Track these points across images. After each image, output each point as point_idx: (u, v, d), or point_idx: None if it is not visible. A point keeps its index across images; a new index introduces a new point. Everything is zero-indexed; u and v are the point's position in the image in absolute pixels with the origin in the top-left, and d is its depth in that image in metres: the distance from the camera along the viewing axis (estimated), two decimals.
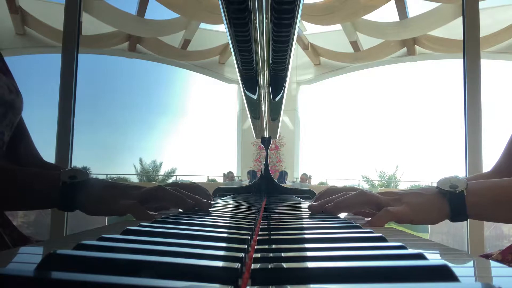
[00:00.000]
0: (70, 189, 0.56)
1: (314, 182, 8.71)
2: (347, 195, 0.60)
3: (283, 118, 2.19)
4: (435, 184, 0.59)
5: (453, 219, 0.56)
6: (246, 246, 0.28)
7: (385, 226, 0.55)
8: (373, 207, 0.60)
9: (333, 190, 0.81)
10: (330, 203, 0.61)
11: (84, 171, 0.58)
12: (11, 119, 0.70)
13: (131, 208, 0.56)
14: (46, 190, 0.57)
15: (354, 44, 7.18)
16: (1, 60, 0.77)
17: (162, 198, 0.61)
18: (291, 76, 0.98)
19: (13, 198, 0.59)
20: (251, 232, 0.37)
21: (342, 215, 0.64)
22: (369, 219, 0.57)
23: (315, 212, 0.62)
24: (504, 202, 0.55)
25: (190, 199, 0.61)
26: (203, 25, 6.95)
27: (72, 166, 1.87)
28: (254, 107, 1.11)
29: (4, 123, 0.68)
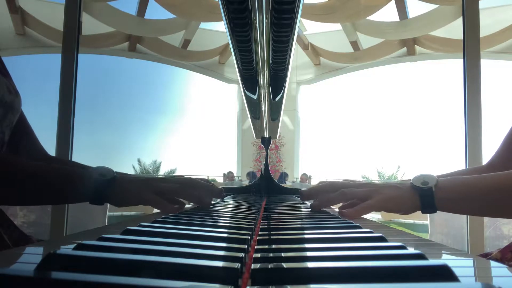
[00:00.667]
0: (102, 185, 0.63)
1: (314, 182, 8.71)
2: (330, 193, 0.70)
3: (283, 118, 2.19)
4: None
5: (423, 211, 0.64)
6: (246, 246, 0.28)
7: (388, 226, 0.56)
8: (355, 201, 0.68)
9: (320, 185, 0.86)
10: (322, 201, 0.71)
11: (110, 169, 0.65)
12: (10, 120, 0.70)
13: (152, 201, 0.64)
14: (80, 187, 0.64)
15: (354, 44, 7.18)
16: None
17: (182, 195, 0.70)
18: (291, 76, 0.98)
19: (48, 194, 0.66)
20: (251, 232, 0.37)
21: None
22: (344, 211, 0.65)
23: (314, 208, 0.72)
24: (469, 198, 0.62)
25: (211, 191, 0.72)
26: (203, 25, 6.95)
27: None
28: (254, 107, 1.11)
29: (4, 124, 0.69)
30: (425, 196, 0.62)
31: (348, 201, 0.71)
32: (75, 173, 0.67)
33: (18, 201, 0.76)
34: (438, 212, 0.64)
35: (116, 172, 0.65)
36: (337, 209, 0.83)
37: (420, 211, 0.64)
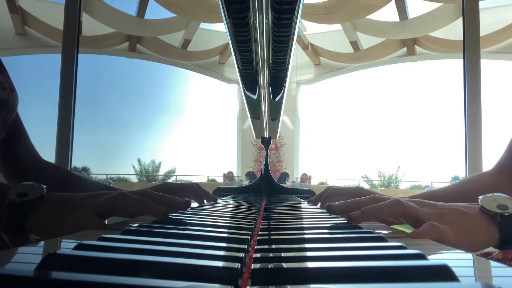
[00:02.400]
0: (19, 209, 0.46)
1: (314, 182, 8.72)
2: (379, 202, 0.50)
3: (283, 118, 2.19)
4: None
5: (501, 247, 0.48)
6: (246, 246, 0.28)
7: (388, 226, 0.55)
8: (408, 220, 0.50)
9: (337, 190, 0.80)
10: (354, 205, 0.52)
11: (40, 186, 0.48)
12: (4, 117, 0.67)
13: (81, 222, 0.46)
14: None
15: (354, 44, 7.18)
16: None
17: (123, 208, 0.51)
18: (291, 76, 0.98)
19: None
20: (251, 232, 0.37)
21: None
22: (411, 231, 0.46)
23: (335, 213, 0.54)
24: None
25: (161, 203, 0.51)
26: (203, 25, 6.96)
27: (73, 166, 1.82)
28: (254, 107, 1.11)
29: None
30: (507, 226, 0.45)
31: (400, 216, 0.51)
32: None
33: None
34: None
35: (48, 192, 0.48)
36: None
37: (496, 248, 0.48)
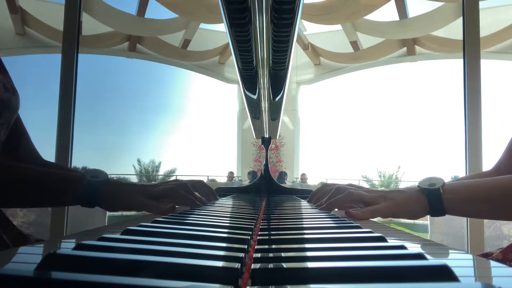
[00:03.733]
0: (94, 187, 0.62)
1: (315, 182, 8.71)
2: (338, 195, 0.71)
3: (283, 118, 2.19)
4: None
5: (432, 214, 0.63)
6: (246, 246, 0.28)
7: (388, 226, 0.56)
8: (361, 205, 0.68)
9: (327, 187, 0.86)
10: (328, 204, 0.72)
11: (103, 171, 0.64)
12: (7, 118, 0.69)
13: (147, 206, 0.63)
14: (73, 190, 0.63)
15: (354, 44, 7.18)
16: None
17: (173, 197, 0.69)
18: (291, 76, 0.98)
19: (46, 197, 0.66)
20: (251, 232, 0.37)
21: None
22: (352, 211, 0.64)
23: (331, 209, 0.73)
24: (476, 200, 0.62)
25: (199, 200, 0.71)
26: (203, 25, 6.95)
27: (73, 166, 1.90)
28: (254, 107, 1.11)
29: None
30: (433, 197, 0.61)
31: (354, 203, 0.70)
32: (70, 176, 0.67)
33: (17, 204, 0.79)
34: None
35: (110, 176, 0.65)
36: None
37: (429, 215, 0.63)
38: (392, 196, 0.65)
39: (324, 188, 0.86)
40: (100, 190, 0.62)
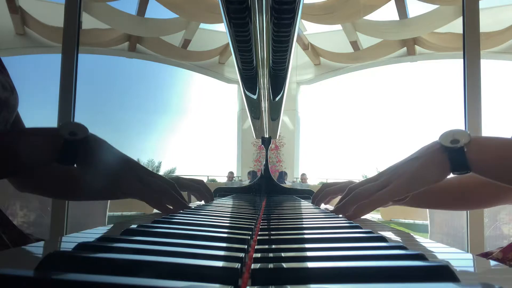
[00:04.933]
0: (72, 147, 0.54)
1: (315, 182, 8.71)
2: (347, 198, 0.60)
3: (283, 118, 2.19)
4: None
5: (454, 172, 0.55)
6: (246, 246, 0.28)
7: (388, 226, 0.55)
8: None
9: (331, 190, 0.84)
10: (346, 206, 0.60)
11: (82, 126, 0.55)
12: (5, 117, 0.68)
13: (139, 192, 0.54)
14: (45, 149, 0.55)
15: (354, 44, 7.18)
16: None
17: (168, 194, 0.58)
18: (291, 76, 0.98)
19: (9, 161, 0.56)
20: (251, 232, 0.37)
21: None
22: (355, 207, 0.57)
23: (342, 214, 0.60)
24: (508, 160, 0.53)
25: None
26: (203, 25, 6.96)
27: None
28: (254, 107, 1.11)
29: None
30: (455, 157, 0.53)
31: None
32: (43, 132, 0.58)
33: None
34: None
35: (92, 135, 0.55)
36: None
37: (451, 172, 0.55)
38: (404, 170, 0.56)
39: (332, 190, 0.82)
40: (79, 151, 0.54)
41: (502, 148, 0.54)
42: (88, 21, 5.69)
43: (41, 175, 0.73)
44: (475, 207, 0.85)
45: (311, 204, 0.88)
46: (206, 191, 0.86)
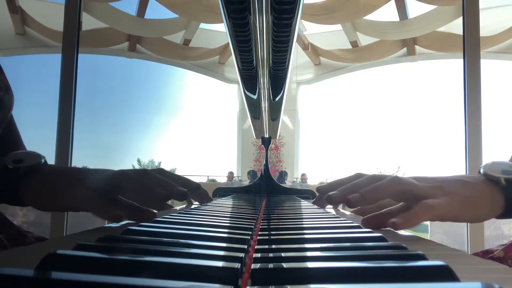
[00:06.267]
0: (12, 176, 0.43)
1: (315, 182, 8.71)
2: (376, 183, 0.46)
3: (283, 118, 2.19)
4: None
5: (505, 215, 0.45)
6: (246, 246, 0.28)
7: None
8: (408, 198, 0.46)
9: (336, 184, 0.75)
10: (352, 188, 0.47)
11: (37, 154, 0.45)
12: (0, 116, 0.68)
13: (86, 203, 0.42)
14: None
15: (354, 44, 7.18)
16: None
17: (125, 188, 0.45)
18: (291, 76, 0.98)
19: None
20: (251, 232, 0.37)
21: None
22: (395, 220, 0.42)
23: (336, 202, 0.48)
24: None
25: (163, 188, 0.45)
26: (203, 25, 6.96)
27: (73, 166, 1.84)
28: (254, 107, 1.11)
29: None
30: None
31: (398, 196, 0.47)
32: None
33: None
34: None
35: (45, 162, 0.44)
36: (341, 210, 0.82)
37: (498, 217, 0.46)
38: (453, 190, 0.44)
39: (337, 183, 0.65)
40: (23, 181, 0.43)
41: None
42: (88, 21, 5.69)
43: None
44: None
45: (311, 204, 0.88)
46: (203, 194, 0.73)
